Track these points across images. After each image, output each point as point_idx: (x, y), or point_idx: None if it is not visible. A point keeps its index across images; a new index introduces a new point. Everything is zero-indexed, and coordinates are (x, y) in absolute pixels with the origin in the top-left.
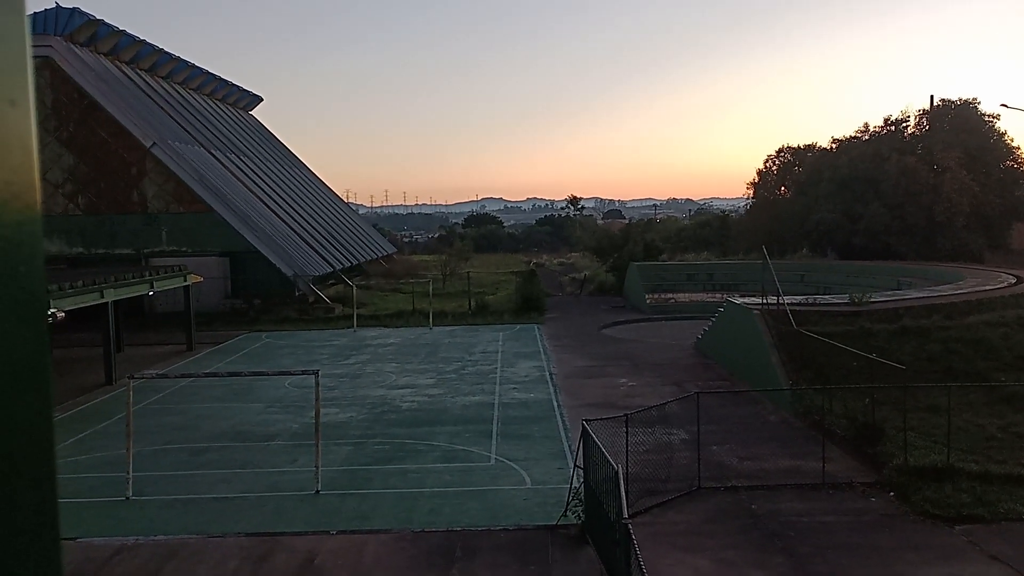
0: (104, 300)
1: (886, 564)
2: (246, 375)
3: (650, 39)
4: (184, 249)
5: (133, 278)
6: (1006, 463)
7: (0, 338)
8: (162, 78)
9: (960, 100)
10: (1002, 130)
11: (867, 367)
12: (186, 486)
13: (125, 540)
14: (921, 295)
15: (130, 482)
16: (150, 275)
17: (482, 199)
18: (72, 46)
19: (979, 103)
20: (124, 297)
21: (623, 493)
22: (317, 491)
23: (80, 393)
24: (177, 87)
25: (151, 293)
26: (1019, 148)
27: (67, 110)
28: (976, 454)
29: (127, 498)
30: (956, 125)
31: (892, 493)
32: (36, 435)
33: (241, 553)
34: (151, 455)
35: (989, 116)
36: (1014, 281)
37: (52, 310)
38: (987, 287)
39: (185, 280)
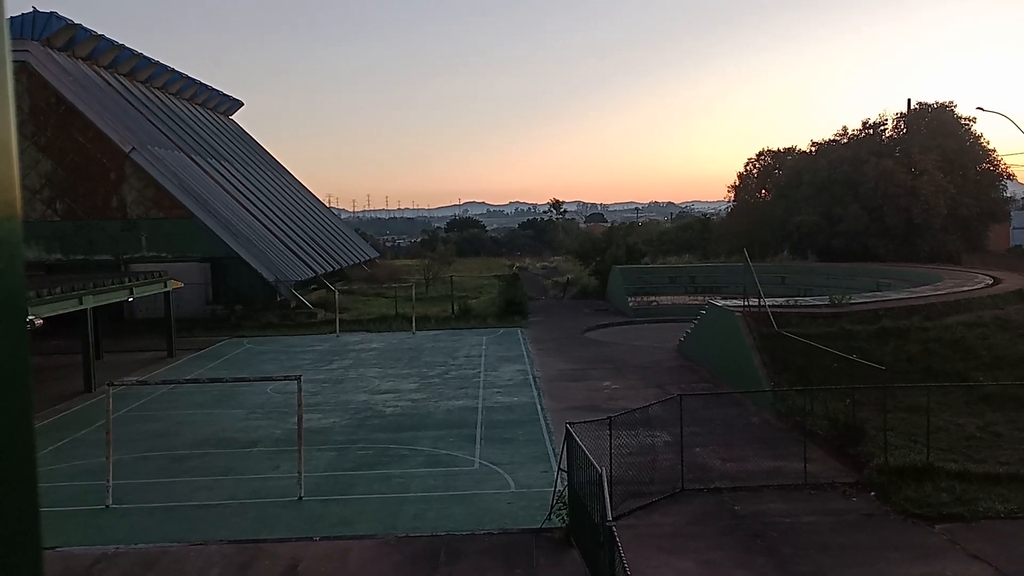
0: (83, 307)
1: (868, 564)
2: (227, 381)
3: (631, 43)
4: (164, 255)
5: (112, 284)
6: (985, 462)
7: None
8: (141, 83)
9: (937, 103)
10: (978, 133)
11: (848, 368)
12: (167, 493)
13: (105, 549)
14: (900, 296)
15: (110, 490)
16: (130, 281)
17: (464, 203)
18: (50, 51)
19: (955, 106)
20: (103, 304)
21: (607, 496)
22: (300, 497)
23: (59, 401)
24: (156, 92)
25: (131, 299)
26: (995, 151)
27: (45, 115)
28: (955, 453)
29: (107, 506)
30: (933, 128)
31: (873, 493)
32: (16, 440)
33: (223, 561)
34: (131, 463)
35: (965, 119)
36: (991, 282)
37: (30, 317)
38: (965, 288)
39: (165, 286)
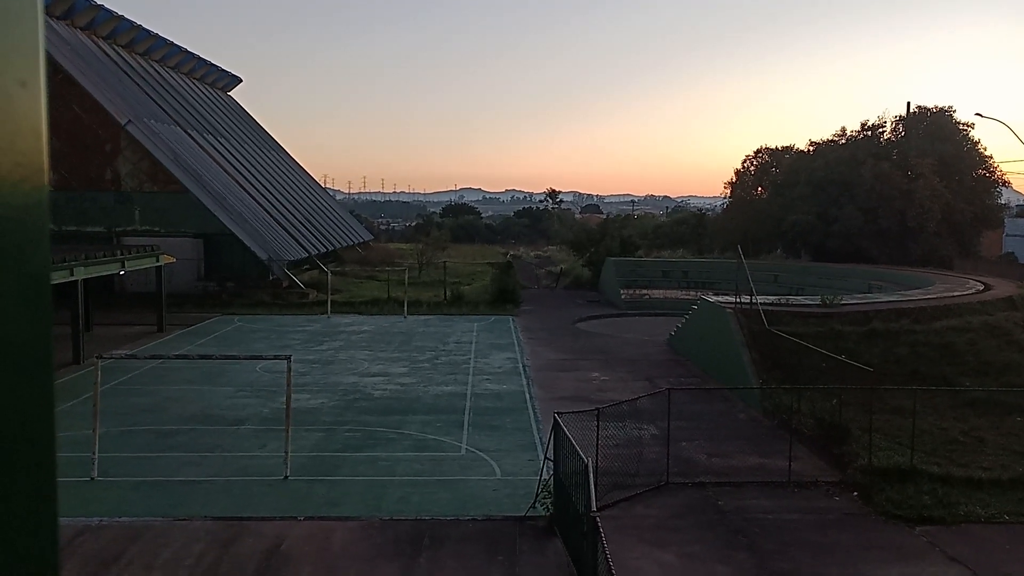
0: (74, 278)
1: (847, 563)
2: (217, 358)
3: (632, 41)
4: (157, 229)
5: (104, 256)
6: (967, 466)
7: (4, 320)
8: (139, 55)
9: (936, 108)
10: (976, 139)
11: (836, 368)
12: (153, 468)
13: (89, 521)
14: (891, 299)
15: (96, 462)
16: (121, 254)
17: (460, 189)
18: (48, 19)
19: (954, 111)
20: (94, 275)
21: (592, 486)
22: (286, 477)
23: None
24: (155, 65)
25: (122, 272)
26: (991, 157)
27: None
28: (938, 457)
29: (92, 479)
30: (931, 132)
31: (856, 493)
32: (37, 418)
33: (207, 537)
34: (118, 436)
35: (964, 124)
36: (982, 288)
37: None
38: (955, 293)
39: (157, 260)
